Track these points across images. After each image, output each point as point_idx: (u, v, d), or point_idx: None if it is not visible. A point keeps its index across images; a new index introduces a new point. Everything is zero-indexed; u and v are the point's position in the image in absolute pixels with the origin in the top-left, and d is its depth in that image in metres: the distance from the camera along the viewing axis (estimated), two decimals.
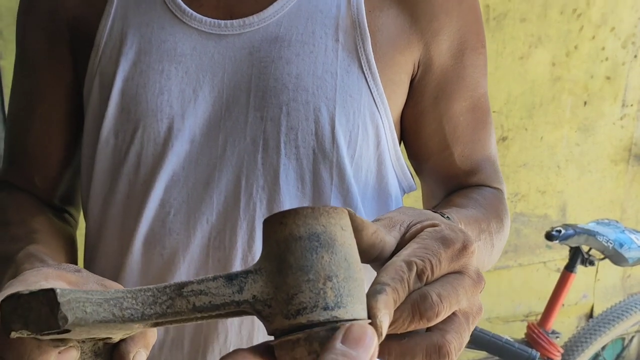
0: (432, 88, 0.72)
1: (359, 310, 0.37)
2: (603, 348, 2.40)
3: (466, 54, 0.73)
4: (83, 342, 0.41)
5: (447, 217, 0.55)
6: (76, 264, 0.73)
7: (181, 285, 0.36)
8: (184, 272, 0.67)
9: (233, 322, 0.68)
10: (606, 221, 1.92)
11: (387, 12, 0.69)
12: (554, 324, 2.13)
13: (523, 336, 1.95)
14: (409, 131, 0.75)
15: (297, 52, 0.66)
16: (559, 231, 1.78)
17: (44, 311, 0.33)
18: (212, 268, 0.67)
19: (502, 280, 2.44)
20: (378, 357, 0.41)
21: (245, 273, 0.37)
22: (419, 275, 0.41)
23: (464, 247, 0.43)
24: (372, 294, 0.39)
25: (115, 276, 0.69)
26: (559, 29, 2.22)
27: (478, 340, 1.68)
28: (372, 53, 0.67)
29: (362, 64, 0.67)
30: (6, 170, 0.80)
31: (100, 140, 0.68)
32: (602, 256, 1.86)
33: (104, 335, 0.40)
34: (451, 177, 0.76)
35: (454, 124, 0.74)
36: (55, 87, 0.74)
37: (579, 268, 1.95)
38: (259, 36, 0.67)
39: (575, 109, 2.34)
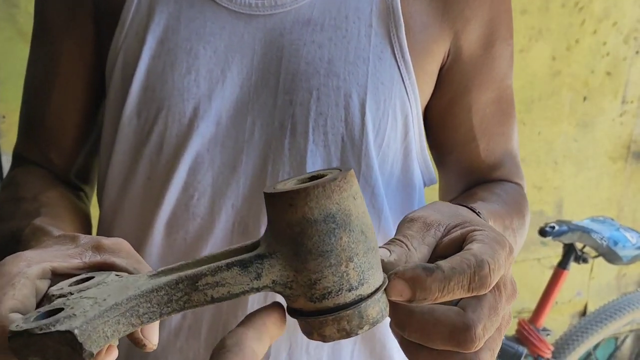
0: (461, 78, 0.71)
1: (377, 277, 0.37)
2: (595, 347, 2.38)
3: (496, 45, 0.71)
4: None
5: (478, 212, 0.54)
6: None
7: (194, 279, 0.35)
8: None
9: (253, 309, 0.66)
10: (601, 218, 1.89)
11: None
12: (546, 321, 2.11)
13: (514, 333, 1.93)
14: (435, 121, 0.73)
15: (330, 37, 0.64)
16: (553, 227, 1.75)
17: (64, 350, 0.33)
18: None
19: None
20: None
21: (260, 258, 0.36)
22: (490, 275, 0.38)
23: (510, 252, 0.42)
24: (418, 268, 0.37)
25: None
26: (560, 22, 2.19)
27: None
28: (405, 40, 0.65)
29: (395, 51, 0.65)
30: (22, 145, 0.78)
31: (122, 120, 0.66)
32: (596, 254, 1.84)
33: None
34: (474, 171, 0.75)
35: (481, 116, 0.73)
36: (74, 60, 0.72)
37: (574, 265, 1.93)
38: (290, 18, 0.64)
39: (574, 104, 2.31)
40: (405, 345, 0.40)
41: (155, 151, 0.66)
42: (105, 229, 0.72)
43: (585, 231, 1.79)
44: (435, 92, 0.71)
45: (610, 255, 1.79)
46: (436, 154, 0.77)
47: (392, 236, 0.68)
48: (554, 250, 2.38)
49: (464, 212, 0.47)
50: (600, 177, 2.45)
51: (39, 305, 0.40)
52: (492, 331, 0.39)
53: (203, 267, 0.36)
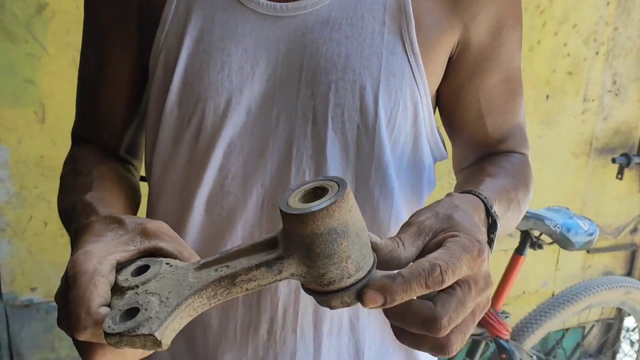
0: (469, 65, 0.78)
1: (369, 262, 0.48)
2: (562, 338, 2.47)
3: (503, 32, 0.78)
4: None
5: (484, 198, 0.64)
6: (138, 206, 0.84)
7: (233, 277, 0.48)
8: (239, 230, 0.76)
9: (278, 293, 0.77)
10: (556, 208, 1.99)
11: None
12: (514, 310, 2.20)
13: None
14: (446, 104, 0.82)
15: (347, 35, 0.72)
16: None
17: (148, 344, 0.46)
18: (265, 227, 0.75)
19: None
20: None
21: (280, 259, 0.48)
22: (442, 275, 0.47)
23: (479, 255, 0.50)
24: (383, 278, 0.47)
25: (178, 233, 0.75)
26: (523, 24, 2.30)
27: None
28: (415, 36, 0.72)
29: (406, 46, 0.72)
30: (78, 127, 0.89)
31: (165, 111, 0.75)
32: (550, 240, 1.94)
33: None
34: (483, 145, 0.84)
35: (488, 97, 0.80)
36: (121, 56, 0.81)
37: (541, 257, 2.02)
38: (311, 19, 0.72)
39: (537, 102, 2.42)
40: (394, 327, 0.50)
41: (194, 138, 0.75)
42: (153, 205, 0.82)
43: (539, 219, 1.89)
44: (445, 78, 0.79)
45: (563, 241, 1.88)
46: (449, 131, 0.86)
47: (403, 212, 0.80)
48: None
49: (458, 214, 0.54)
50: (564, 172, 2.56)
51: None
52: (459, 320, 0.48)
53: (238, 267, 0.48)
